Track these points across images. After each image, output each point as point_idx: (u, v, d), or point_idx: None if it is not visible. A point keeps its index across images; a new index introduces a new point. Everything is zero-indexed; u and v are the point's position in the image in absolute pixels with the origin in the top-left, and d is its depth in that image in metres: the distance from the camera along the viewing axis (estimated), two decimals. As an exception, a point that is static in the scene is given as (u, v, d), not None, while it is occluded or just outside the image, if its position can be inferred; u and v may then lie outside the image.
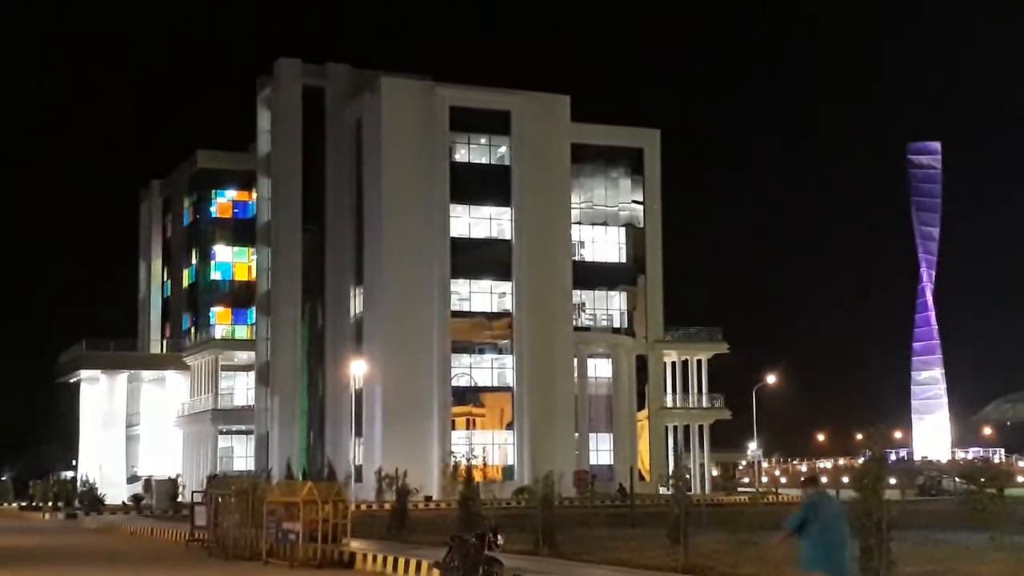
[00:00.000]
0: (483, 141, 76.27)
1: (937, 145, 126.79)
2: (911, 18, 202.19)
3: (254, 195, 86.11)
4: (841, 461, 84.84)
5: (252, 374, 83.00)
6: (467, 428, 73.57)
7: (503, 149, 76.03)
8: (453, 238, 73.19)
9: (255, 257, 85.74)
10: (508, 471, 72.74)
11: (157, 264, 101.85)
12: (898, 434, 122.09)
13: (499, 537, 21.38)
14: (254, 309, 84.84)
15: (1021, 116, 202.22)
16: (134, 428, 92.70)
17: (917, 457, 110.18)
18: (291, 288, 79.67)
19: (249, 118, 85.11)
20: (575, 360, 76.51)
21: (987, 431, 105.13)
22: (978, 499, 24.23)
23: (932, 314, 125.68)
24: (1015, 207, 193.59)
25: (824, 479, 25.44)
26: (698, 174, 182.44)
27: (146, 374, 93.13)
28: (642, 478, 75.01)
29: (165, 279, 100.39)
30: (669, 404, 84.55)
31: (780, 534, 14.89)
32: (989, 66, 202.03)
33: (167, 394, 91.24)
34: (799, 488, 15.26)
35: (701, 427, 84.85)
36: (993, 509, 23.91)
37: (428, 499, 60.99)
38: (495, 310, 74.93)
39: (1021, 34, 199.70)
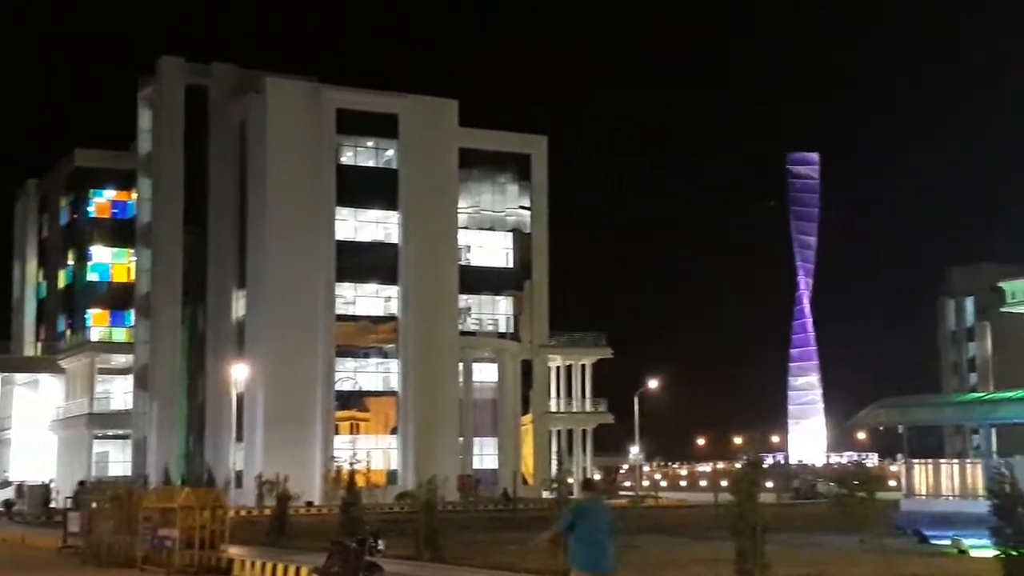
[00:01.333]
0: (370, 144, 75.94)
1: (815, 156, 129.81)
2: (797, 25, 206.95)
3: (134, 195, 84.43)
4: (720, 465, 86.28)
5: (130, 378, 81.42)
6: (351, 433, 73.11)
7: (390, 152, 75.80)
8: (339, 241, 72.71)
9: (134, 258, 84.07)
10: (392, 476, 72.47)
11: (32, 265, 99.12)
12: (775, 438, 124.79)
13: (380, 542, 21.29)
14: (133, 311, 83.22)
15: (896, 128, 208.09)
16: (6, 432, 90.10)
17: (793, 461, 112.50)
18: (171, 290, 78.35)
19: (130, 117, 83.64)
20: (460, 365, 76.59)
21: (861, 436, 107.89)
22: (849, 503, 24.91)
23: (809, 321, 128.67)
24: (890, 217, 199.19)
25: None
26: (585, 180, 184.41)
27: (19, 377, 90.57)
28: (526, 482, 75.39)
29: (40, 280, 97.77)
30: (553, 409, 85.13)
31: (548, 534, 15.81)
32: (868, 78, 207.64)
33: (41, 398, 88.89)
34: (581, 492, 16.34)
35: (584, 431, 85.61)
36: (863, 512, 24.65)
37: (310, 504, 60.43)
38: (381, 314, 74.64)
39: (899, 48, 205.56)
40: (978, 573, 22.23)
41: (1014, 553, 17.11)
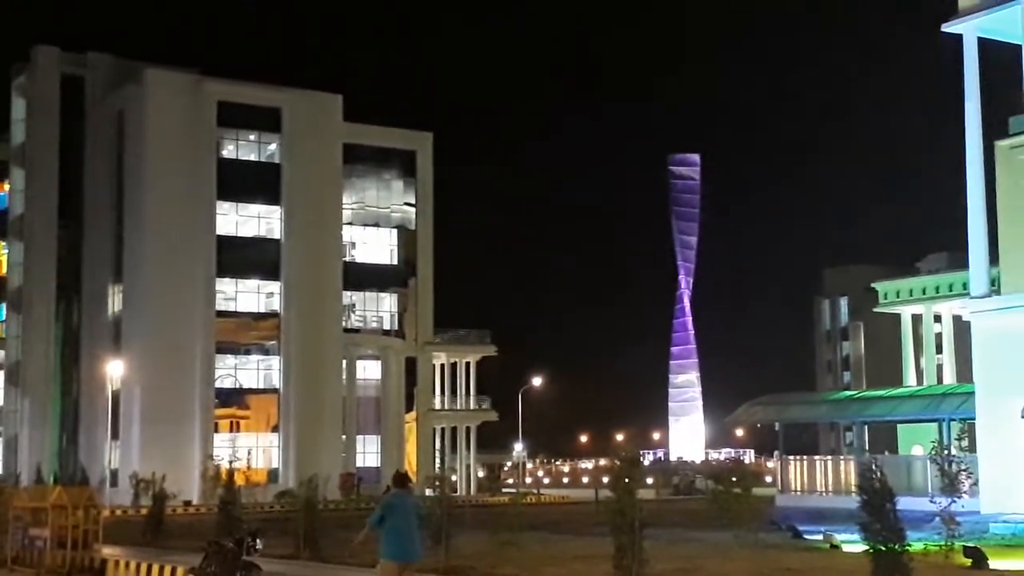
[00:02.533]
0: (252, 138, 74.97)
1: (696, 157, 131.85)
2: (677, 28, 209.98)
3: (6, 187, 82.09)
4: (602, 461, 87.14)
5: (1, 373, 79.23)
6: (231, 431, 72.13)
7: (273, 147, 74.91)
8: (219, 236, 71.63)
9: (7, 251, 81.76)
10: (273, 474, 71.67)
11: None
12: (656, 435, 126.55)
13: (258, 541, 21.02)
14: (4, 306, 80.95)
15: (776, 131, 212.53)
16: None
17: (673, 457, 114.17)
18: (45, 284, 76.43)
19: (2, 107, 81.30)
20: (344, 362, 76.05)
21: (739, 433, 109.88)
22: (724, 498, 25.36)
23: (689, 319, 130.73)
24: (770, 219, 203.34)
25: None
26: (472, 179, 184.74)
27: None
28: (409, 480, 75.14)
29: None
30: (437, 406, 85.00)
31: (362, 534, 17.03)
32: (746, 83, 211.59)
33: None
34: (392, 487, 17.82)
35: (468, 429, 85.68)
36: (738, 508, 25.10)
37: (188, 503, 59.42)
38: (262, 310, 73.76)
39: (772, 53, 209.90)
40: (847, 567, 22.76)
41: (883, 548, 17.47)
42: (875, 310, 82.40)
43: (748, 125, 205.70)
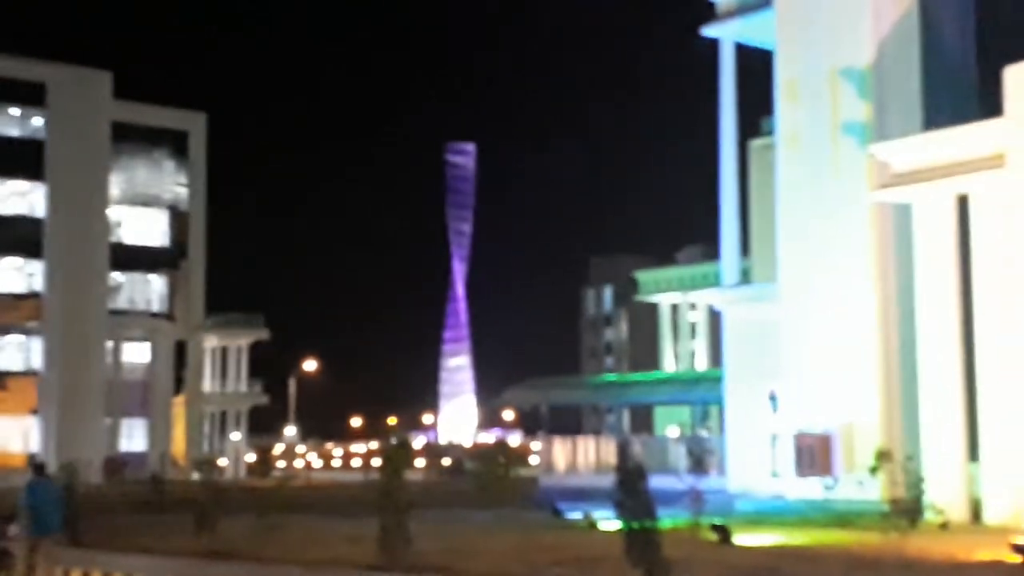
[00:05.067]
0: (16, 113, 72.05)
1: (472, 146, 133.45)
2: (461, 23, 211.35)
3: None
4: (374, 444, 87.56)
5: None
6: (-13, 414, 69.35)
7: (38, 122, 72.14)
8: (-23, 213, 68.69)
9: None
10: (32, 459, 69.21)
11: None
12: (428, 418, 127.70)
13: (12, 527, 20.80)
14: None
15: (549, 121, 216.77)
16: None
17: (444, 440, 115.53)
18: None
19: None
20: (110, 344, 74.09)
21: (509, 415, 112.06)
22: (488, 479, 26.26)
23: (462, 304, 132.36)
24: (542, 208, 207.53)
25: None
26: (249, 161, 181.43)
27: None
28: (176, 464, 73.90)
29: None
30: (208, 390, 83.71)
31: (22, 522, 21.37)
32: (524, 71, 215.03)
33: None
34: (33, 475, 22.29)
35: (239, 413, 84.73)
36: (501, 488, 26.03)
37: (-61, 491, 56.86)
38: (23, 291, 71.11)
39: (545, 41, 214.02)
40: (601, 544, 23.90)
41: (635, 526, 18.25)
42: (637, 298, 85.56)
43: (524, 115, 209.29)
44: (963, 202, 32.22)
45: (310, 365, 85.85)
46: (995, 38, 37.06)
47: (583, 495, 38.84)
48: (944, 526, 28.32)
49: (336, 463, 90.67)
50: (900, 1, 37.40)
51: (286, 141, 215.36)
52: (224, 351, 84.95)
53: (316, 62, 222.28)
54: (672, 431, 50.75)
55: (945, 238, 32.37)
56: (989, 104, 32.56)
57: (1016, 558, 21.16)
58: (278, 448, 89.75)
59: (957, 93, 37.86)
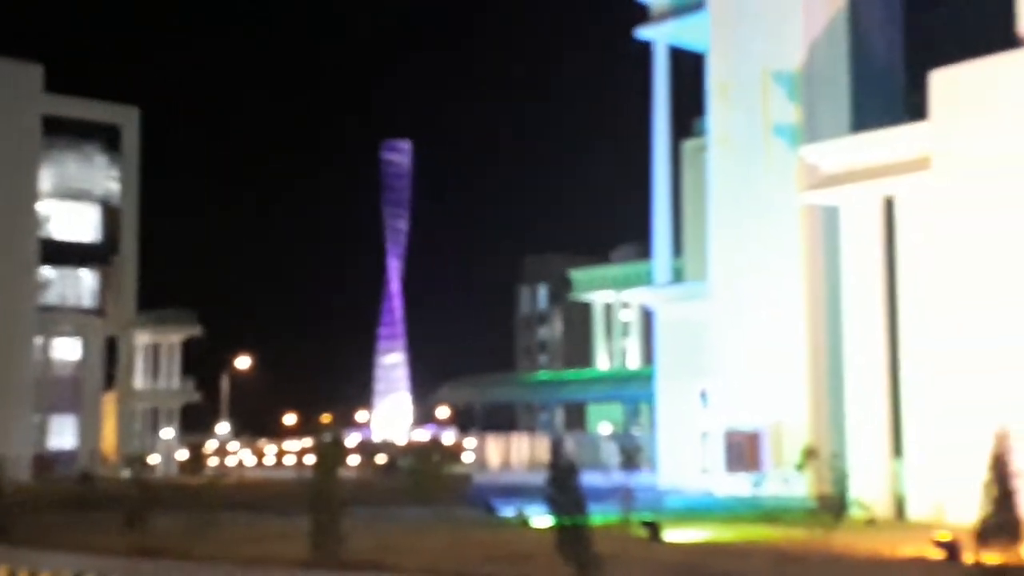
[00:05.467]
0: (-60, 104, 70.74)
1: (408, 144, 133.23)
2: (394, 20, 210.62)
3: None
4: (307, 442, 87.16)
5: None
6: (-90, 412, 67.97)
7: (-36, 114, 70.89)
8: (-99, 206, 67.33)
9: None
10: (-44, 457, 68.06)
11: None
12: (363, 415, 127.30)
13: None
14: None
15: (484, 121, 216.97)
16: None
17: (379, 437, 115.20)
18: None
19: None
20: (40, 340, 73.08)
21: (444, 412, 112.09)
22: (422, 476, 26.36)
23: (397, 301, 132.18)
24: (479, 206, 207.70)
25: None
26: (184, 154, 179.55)
27: None
28: (106, 461, 73.11)
29: None
30: (139, 386, 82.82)
31: None
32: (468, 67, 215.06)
33: None
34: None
35: (171, 410, 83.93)
36: (435, 486, 26.13)
37: None
38: (-52, 285, 69.80)
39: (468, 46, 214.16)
40: (533, 541, 24.09)
41: (567, 522, 18.40)
42: (571, 297, 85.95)
43: (460, 114, 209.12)
44: (890, 204, 32.86)
45: (243, 362, 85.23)
46: (922, 44, 37.89)
47: (516, 492, 39.02)
48: (869, 522, 28.90)
49: (269, 461, 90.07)
50: (829, 6, 38.06)
51: (220, 136, 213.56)
52: (156, 348, 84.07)
53: (252, 57, 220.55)
54: (604, 428, 51.17)
55: (871, 239, 32.99)
56: (916, 108, 33.24)
57: (938, 553, 21.63)
58: (210, 445, 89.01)
59: (885, 97, 38.62)
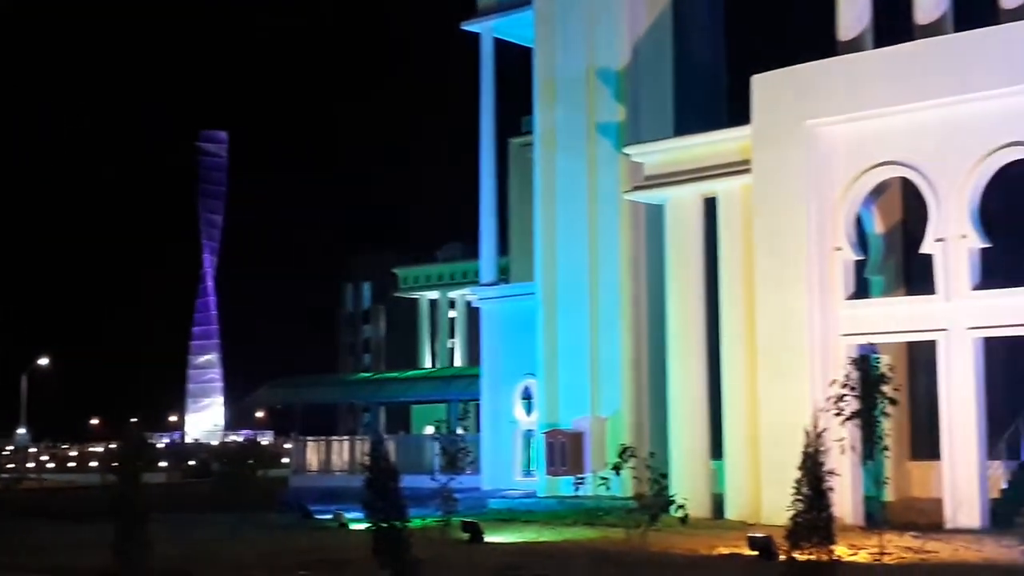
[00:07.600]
0: None
1: (224, 134, 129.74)
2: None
3: None
4: (113, 445, 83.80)
5: None
6: None
7: None
8: None
9: None
10: None
11: None
12: (174, 417, 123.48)
13: None
14: None
15: (314, 115, 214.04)
16: None
17: (190, 440, 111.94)
18: None
19: None
20: None
21: (261, 414, 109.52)
22: (234, 480, 25.28)
23: (212, 299, 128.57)
24: (300, 202, 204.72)
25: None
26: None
27: None
28: None
29: None
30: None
31: None
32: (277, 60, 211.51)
33: None
34: None
35: (-34, 412, 79.67)
36: (248, 489, 25.07)
37: None
38: None
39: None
40: (349, 544, 23.41)
41: (384, 526, 17.99)
42: (396, 295, 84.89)
43: (281, 107, 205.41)
44: (711, 204, 33.10)
45: (44, 362, 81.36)
46: (744, 47, 38.36)
47: (335, 496, 38.16)
48: (684, 520, 29.03)
49: (71, 464, 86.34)
50: (654, 6, 38.18)
51: (25, 126, 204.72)
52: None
53: (64, 43, 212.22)
54: (429, 429, 50.39)
55: (693, 239, 33.19)
56: (738, 110, 33.59)
57: (752, 552, 21.93)
58: (7, 450, 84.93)
59: (708, 98, 39.01)
